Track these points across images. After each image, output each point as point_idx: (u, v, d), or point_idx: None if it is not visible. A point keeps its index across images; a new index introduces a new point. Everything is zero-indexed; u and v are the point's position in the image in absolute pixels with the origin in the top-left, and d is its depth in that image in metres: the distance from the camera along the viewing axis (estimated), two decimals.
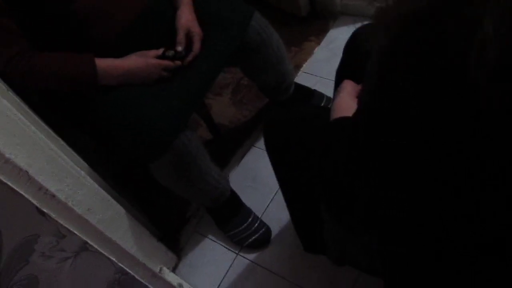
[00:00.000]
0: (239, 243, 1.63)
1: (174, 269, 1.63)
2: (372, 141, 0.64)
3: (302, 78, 2.04)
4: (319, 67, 2.06)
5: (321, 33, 2.20)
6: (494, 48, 0.46)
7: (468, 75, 0.48)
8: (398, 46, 0.57)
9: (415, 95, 0.55)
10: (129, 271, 1.31)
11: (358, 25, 1.19)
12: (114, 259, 1.24)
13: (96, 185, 1.23)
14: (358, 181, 0.70)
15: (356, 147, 0.70)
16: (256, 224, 1.62)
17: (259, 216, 1.66)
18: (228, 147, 1.92)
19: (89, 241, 1.14)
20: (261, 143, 1.90)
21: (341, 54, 1.26)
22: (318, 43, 2.16)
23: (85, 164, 1.34)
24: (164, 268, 1.51)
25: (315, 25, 2.24)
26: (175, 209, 1.78)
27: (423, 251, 0.68)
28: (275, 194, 1.73)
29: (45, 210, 1.02)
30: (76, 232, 1.11)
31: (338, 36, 2.14)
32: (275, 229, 1.64)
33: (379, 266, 0.81)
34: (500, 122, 0.50)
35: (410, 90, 0.56)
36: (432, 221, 0.63)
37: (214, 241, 1.69)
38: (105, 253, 1.21)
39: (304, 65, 2.10)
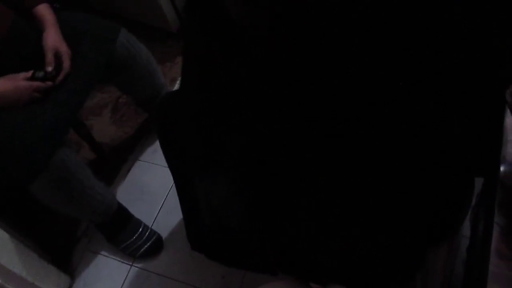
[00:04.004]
0: (132, 255, 1.66)
1: None
2: None
3: None
4: None
5: None
6: None
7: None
8: None
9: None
10: None
11: None
12: (2, 282, 1.24)
13: None
14: None
15: None
16: (147, 234, 1.66)
17: (150, 226, 1.71)
18: (112, 164, 1.95)
19: None
20: (145, 156, 1.96)
21: None
22: None
23: None
24: None
25: None
26: (64, 230, 1.78)
27: None
28: (163, 202, 1.79)
29: None
30: None
31: None
32: (166, 235, 1.70)
33: None
34: None
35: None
36: None
37: (107, 256, 1.71)
38: None
39: (180, 78, 2.17)
